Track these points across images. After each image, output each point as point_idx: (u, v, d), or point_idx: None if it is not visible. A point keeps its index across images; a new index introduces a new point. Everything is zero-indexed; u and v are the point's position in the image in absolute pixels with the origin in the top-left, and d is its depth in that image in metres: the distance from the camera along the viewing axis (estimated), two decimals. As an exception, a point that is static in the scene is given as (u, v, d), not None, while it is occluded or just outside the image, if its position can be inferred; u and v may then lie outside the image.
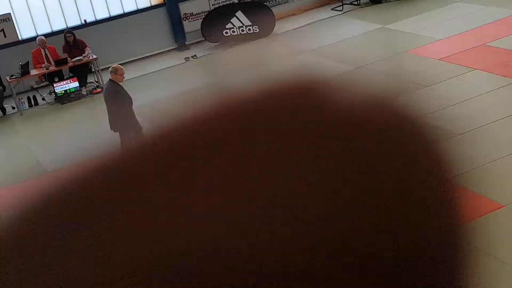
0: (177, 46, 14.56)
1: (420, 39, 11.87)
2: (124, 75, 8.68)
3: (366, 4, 14.82)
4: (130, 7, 14.21)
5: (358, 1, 14.92)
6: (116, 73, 8.53)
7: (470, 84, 9.46)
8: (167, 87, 12.45)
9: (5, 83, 12.54)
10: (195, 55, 13.88)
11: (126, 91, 8.51)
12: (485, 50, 10.65)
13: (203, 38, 14.38)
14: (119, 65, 8.70)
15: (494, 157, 7.38)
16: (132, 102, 8.55)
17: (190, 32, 14.56)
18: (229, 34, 14.21)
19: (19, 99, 12.51)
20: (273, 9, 14.58)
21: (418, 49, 11.36)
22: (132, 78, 13.26)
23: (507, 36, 10.94)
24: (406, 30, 12.53)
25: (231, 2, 14.74)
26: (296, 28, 14.29)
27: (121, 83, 8.57)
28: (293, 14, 15.32)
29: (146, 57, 14.35)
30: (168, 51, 14.49)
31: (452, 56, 10.61)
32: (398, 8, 14.10)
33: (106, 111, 8.72)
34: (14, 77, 12.42)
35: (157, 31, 14.45)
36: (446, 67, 10.28)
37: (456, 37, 11.52)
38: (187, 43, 14.56)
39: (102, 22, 13.96)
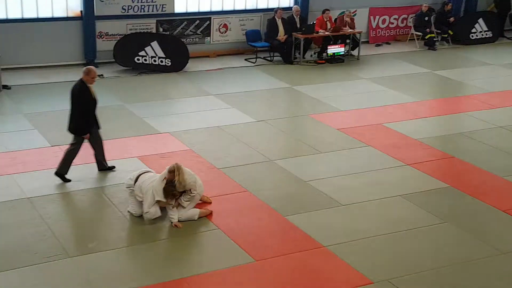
0: (85, 62, 14.27)
1: (323, 106, 12.39)
2: (96, 79, 8.71)
3: (279, 62, 15.32)
4: (45, 13, 13.81)
5: (272, 58, 15.41)
6: (88, 75, 8.52)
7: (361, 159, 9.96)
8: (67, 100, 12.16)
9: None
10: (102, 75, 13.65)
11: (92, 94, 8.60)
12: (381, 129, 11.26)
13: (114, 60, 14.21)
14: (93, 68, 8.64)
15: (372, 233, 7.77)
16: (95, 105, 8.72)
17: (101, 51, 14.34)
18: (141, 62, 14.14)
19: None
20: (189, 47, 14.72)
21: (319, 115, 11.84)
22: (32, 84, 12.85)
23: (404, 121, 11.66)
24: (311, 94, 13.03)
25: (149, 31, 14.74)
26: (208, 70, 14.47)
27: (90, 85, 8.60)
28: (207, 56, 15.54)
29: (52, 66, 13.95)
30: (76, 65, 14.15)
31: (349, 129, 11.15)
32: (307, 72, 14.69)
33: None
34: None
35: (68, 43, 14.10)
36: (342, 137, 10.77)
37: (357, 112, 12.13)
38: (96, 61, 14.31)
39: (13, 22, 13.46)
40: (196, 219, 7.84)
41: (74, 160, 8.78)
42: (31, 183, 8.55)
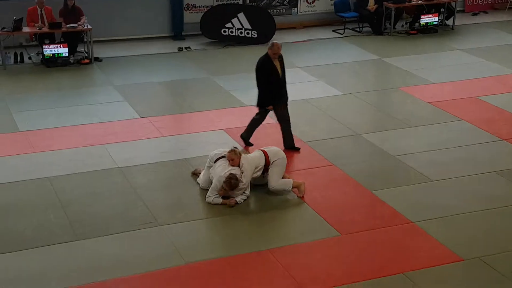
0: (173, 34, 14.49)
1: (414, 78, 12.00)
2: (277, 54, 8.61)
3: (368, 33, 14.94)
4: (134, -14, 14.12)
5: (360, 29, 15.04)
6: (270, 49, 8.56)
7: (453, 133, 9.58)
8: (156, 72, 12.43)
9: (-5, 34, 12.33)
10: (189, 47, 13.82)
11: (276, 68, 8.60)
12: (475, 102, 10.80)
13: (200, 32, 14.33)
14: (276, 43, 8.61)
15: (464, 210, 7.48)
16: (279, 79, 8.66)
17: (188, 23, 14.50)
18: (227, 34, 14.19)
19: (5, 53, 12.31)
20: (275, 18, 14.60)
21: (410, 88, 11.48)
22: (122, 56, 13.18)
23: (500, 94, 11.11)
24: (402, 66, 12.65)
25: (236, 2, 14.73)
26: (294, 42, 14.33)
27: (274, 60, 8.60)
28: (294, 27, 15.37)
29: (140, 38, 14.25)
30: (163, 37, 14.41)
31: (441, 102, 10.74)
32: (398, 44, 14.25)
33: None
34: (5, 30, 12.23)
35: (156, 16, 14.36)
36: (433, 111, 10.40)
37: (450, 84, 11.67)
38: (183, 33, 14.48)
39: (104, -5, 13.84)
40: (289, 189, 7.81)
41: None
42: (122, 153, 8.79)
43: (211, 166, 7.78)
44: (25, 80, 11.78)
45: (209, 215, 7.34)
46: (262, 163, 7.74)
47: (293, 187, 7.81)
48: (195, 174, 8.18)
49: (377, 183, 8.08)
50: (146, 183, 8.00)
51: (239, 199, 7.56)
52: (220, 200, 7.53)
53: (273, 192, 7.78)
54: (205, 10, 14.35)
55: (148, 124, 9.82)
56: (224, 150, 7.82)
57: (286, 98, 8.85)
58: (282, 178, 7.83)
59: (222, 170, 7.54)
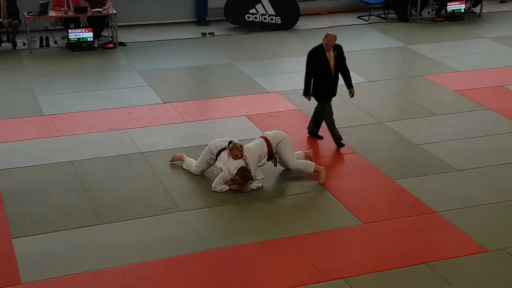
0: (196, 20, 14.45)
1: (440, 66, 11.83)
2: (330, 46, 8.26)
3: (393, 20, 14.74)
4: (159, -30, 14.09)
5: (386, 15, 14.85)
6: (323, 39, 8.29)
7: (479, 123, 9.43)
8: (179, 57, 12.42)
9: (21, 19, 12.39)
10: (213, 33, 13.78)
11: (328, 59, 8.28)
12: (502, 92, 10.60)
13: (224, 18, 14.27)
14: (330, 33, 8.30)
15: (489, 201, 7.37)
16: (327, 72, 8.31)
17: (212, 9, 14.45)
18: (251, 20, 14.11)
19: (31, 37, 12.40)
20: (300, 4, 14.47)
21: (435, 76, 11.32)
22: (145, 42, 13.19)
23: (528, 83, 10.94)
24: (427, 54, 12.47)
25: (261, -12, 14.63)
26: (318, 28, 14.20)
27: (327, 51, 8.29)
28: (318, 14, 15.23)
29: (163, 23, 14.24)
30: (187, 22, 14.39)
31: (467, 91, 10.57)
32: (423, 31, 14.05)
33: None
34: (31, 14, 12.30)
35: (180, 1, 14.32)
36: (459, 100, 10.25)
37: (476, 73, 11.48)
38: (207, 19, 14.44)
39: (129, -21, 13.84)
40: (310, 171, 7.78)
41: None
42: (144, 138, 8.81)
43: (212, 158, 7.69)
44: (50, 64, 11.86)
45: (230, 202, 7.33)
46: (265, 149, 7.64)
47: (314, 171, 7.78)
48: (176, 161, 8.10)
49: (401, 172, 8.00)
50: (168, 169, 8.01)
51: (254, 186, 7.53)
52: (227, 187, 7.48)
53: (294, 179, 7.75)
54: (229, -4, 14.29)
55: (170, 109, 9.83)
56: (224, 140, 7.71)
57: (335, 92, 8.54)
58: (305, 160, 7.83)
59: (230, 163, 7.43)
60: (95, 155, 8.30)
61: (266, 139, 7.72)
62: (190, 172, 7.88)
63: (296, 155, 7.88)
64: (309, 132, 8.92)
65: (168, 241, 6.56)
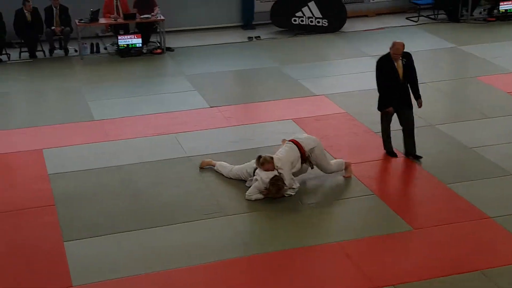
0: (242, 24, 14.49)
1: (492, 67, 11.51)
2: (398, 55, 7.86)
3: (443, 20, 14.45)
4: (205, -24, 14.20)
5: (436, 16, 14.57)
6: (391, 48, 7.95)
7: (535, 125, 9.14)
8: (225, 61, 12.47)
9: (73, 26, 12.68)
10: (259, 36, 13.79)
11: (397, 68, 7.91)
12: (558, 93, 10.26)
13: (270, 21, 14.26)
14: (397, 42, 7.92)
15: (546, 206, 7.12)
16: (398, 80, 7.93)
17: (258, 12, 14.47)
18: (297, 23, 14.05)
19: (82, 44, 12.66)
20: (347, 6, 14.34)
21: (488, 77, 11.02)
22: (193, 46, 13.30)
23: None
24: (479, 55, 12.16)
25: (307, -10, 14.57)
26: (366, 30, 14.04)
27: (395, 60, 7.92)
28: (366, 16, 15.06)
29: (211, 28, 14.33)
30: (233, 27, 14.45)
31: (522, 93, 10.27)
32: (475, 31, 13.72)
33: None
34: (82, 21, 12.57)
35: (226, 5, 14.40)
36: (512, 101, 9.96)
37: (530, 74, 11.16)
38: (253, 22, 14.47)
39: (176, -14, 13.99)
40: (343, 168, 7.74)
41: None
42: (191, 142, 8.86)
43: (249, 174, 7.63)
44: (100, 70, 12.08)
45: (275, 207, 7.28)
46: (297, 154, 7.44)
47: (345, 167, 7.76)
48: (205, 166, 8.07)
49: (452, 176, 7.80)
50: (214, 173, 8.02)
51: (287, 194, 7.40)
52: (261, 196, 7.36)
53: (340, 184, 7.66)
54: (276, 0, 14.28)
55: (217, 113, 9.86)
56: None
57: (408, 101, 8.08)
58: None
59: (263, 173, 7.33)
60: (143, 160, 8.39)
61: (297, 143, 7.51)
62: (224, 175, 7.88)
63: (338, 162, 7.76)
64: (388, 153, 8.32)
65: (213, 246, 6.56)
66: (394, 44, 7.94)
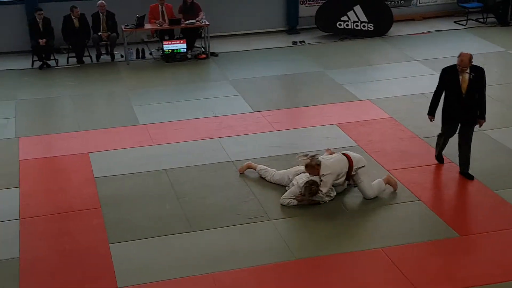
0: (287, 28, 14.49)
1: (543, 71, 11.23)
2: (463, 67, 7.34)
3: (493, 24, 14.15)
4: (250, -19, 14.27)
5: (485, 19, 14.27)
6: (458, 57, 7.48)
7: None
8: (269, 66, 12.48)
9: (119, 32, 12.90)
10: (303, 41, 13.76)
11: (460, 82, 7.43)
12: None
13: (315, 26, 14.22)
14: (463, 54, 7.40)
15: None
16: (459, 92, 7.43)
17: (303, 17, 14.45)
18: (342, 27, 13.97)
19: (128, 49, 12.87)
20: (393, 10, 14.18)
21: (538, 82, 10.75)
22: (237, 51, 13.36)
23: None
24: (529, 59, 11.90)
25: (352, -5, 14.48)
26: (412, 34, 13.86)
27: (461, 72, 7.41)
28: (413, 19, 14.87)
29: (255, 33, 14.38)
30: (277, 31, 14.46)
31: None
32: (525, 35, 13.41)
33: None
34: (128, 27, 12.77)
35: (271, 10, 14.43)
36: None
37: None
38: (298, 27, 14.45)
39: (220, -9, 14.10)
40: (385, 189, 7.51)
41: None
42: (235, 147, 8.89)
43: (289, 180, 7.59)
44: (145, 75, 12.25)
45: (319, 212, 7.23)
46: (345, 169, 7.25)
47: (385, 183, 7.53)
48: (245, 170, 8.08)
49: (501, 182, 7.61)
50: (258, 177, 8.02)
51: (323, 201, 7.31)
52: (295, 201, 7.31)
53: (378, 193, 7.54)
54: (321, 4, 14.22)
55: (261, 118, 9.87)
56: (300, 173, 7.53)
57: (469, 117, 7.57)
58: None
59: (299, 177, 7.36)
60: (188, 164, 8.46)
61: (349, 158, 7.33)
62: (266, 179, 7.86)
63: (378, 184, 7.51)
64: (436, 155, 8.12)
65: (258, 250, 6.56)
66: (460, 54, 7.43)
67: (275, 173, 7.83)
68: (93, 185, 7.96)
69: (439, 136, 8.04)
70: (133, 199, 7.65)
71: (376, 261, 6.30)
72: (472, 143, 8.08)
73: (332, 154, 7.63)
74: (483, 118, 7.64)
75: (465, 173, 7.76)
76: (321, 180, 7.17)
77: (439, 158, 8.16)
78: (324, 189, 7.19)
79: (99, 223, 7.13)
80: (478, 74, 7.45)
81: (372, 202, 7.40)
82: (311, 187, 7.17)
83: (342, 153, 7.43)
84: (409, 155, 8.41)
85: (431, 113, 7.86)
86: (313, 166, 7.18)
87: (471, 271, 6.11)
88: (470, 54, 7.40)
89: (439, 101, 7.76)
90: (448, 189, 7.56)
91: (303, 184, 7.22)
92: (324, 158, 7.35)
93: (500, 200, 7.25)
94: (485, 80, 7.49)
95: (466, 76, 7.39)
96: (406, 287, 5.89)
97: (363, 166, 7.36)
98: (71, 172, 8.37)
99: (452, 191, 7.54)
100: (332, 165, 7.21)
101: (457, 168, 7.95)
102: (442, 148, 8.09)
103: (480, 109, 7.58)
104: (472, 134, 7.67)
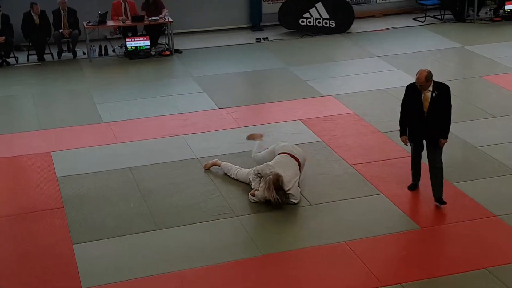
0: (251, 25, 14.56)
1: (498, 66, 11.53)
2: (420, 85, 6.93)
3: (450, 21, 14.47)
4: (213, -22, 14.28)
5: (442, 16, 14.58)
6: (416, 74, 7.03)
7: (541, 124, 9.16)
8: (234, 63, 12.54)
9: (81, 28, 12.78)
10: (267, 38, 13.85)
11: (422, 100, 6.99)
12: None
13: (278, 23, 14.33)
14: (420, 71, 6.94)
15: (552, 204, 7.14)
16: (422, 113, 7.00)
17: (266, 14, 14.54)
18: (305, 24, 14.11)
19: (91, 46, 12.77)
20: (354, 7, 14.38)
21: (494, 77, 11.05)
22: (201, 48, 13.38)
23: None
24: (485, 54, 12.20)
25: (314, -8, 14.63)
26: (373, 31, 14.08)
27: (422, 90, 6.97)
28: (373, 16, 15.10)
29: (219, 30, 14.41)
30: (241, 28, 14.52)
31: (528, 91, 10.29)
32: (481, 31, 13.73)
33: None
34: (91, 24, 12.68)
35: (234, 7, 14.48)
36: (519, 101, 9.98)
37: (537, 73, 11.17)
38: (261, 24, 14.53)
39: (183, -13, 14.08)
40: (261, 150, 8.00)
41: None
42: (200, 144, 8.93)
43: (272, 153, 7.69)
44: (109, 72, 12.18)
45: (284, 207, 7.32)
46: (297, 168, 7.48)
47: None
48: (209, 167, 8.17)
49: (459, 175, 7.84)
50: (223, 174, 8.09)
51: (291, 201, 7.36)
52: (263, 198, 7.31)
53: (347, 184, 7.71)
54: (284, 1, 14.32)
55: (225, 114, 9.93)
56: (289, 144, 7.74)
57: (433, 137, 7.07)
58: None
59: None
60: (152, 161, 8.46)
61: (298, 162, 7.53)
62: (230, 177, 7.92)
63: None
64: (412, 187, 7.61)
65: (224, 246, 6.63)
66: (418, 72, 6.98)
67: (239, 171, 7.90)
68: (56, 184, 7.90)
69: (411, 162, 7.56)
70: (97, 198, 7.62)
71: (340, 255, 6.43)
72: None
73: (265, 149, 7.88)
74: (445, 138, 7.11)
75: (437, 198, 7.25)
76: (289, 194, 7.26)
77: (412, 187, 7.59)
78: (295, 197, 7.34)
79: (62, 223, 7.08)
80: (442, 92, 6.99)
81: (334, 196, 7.52)
82: (278, 179, 7.17)
83: (287, 154, 7.52)
84: (370, 150, 8.59)
85: (403, 133, 7.34)
86: (280, 187, 7.21)
87: (432, 262, 6.29)
88: (427, 72, 6.93)
89: (406, 118, 7.25)
90: (408, 182, 7.74)
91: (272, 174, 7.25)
92: (275, 166, 7.35)
93: (458, 192, 7.47)
94: (449, 98, 7.05)
95: (428, 94, 6.95)
96: (370, 280, 6.04)
97: (305, 159, 7.72)
98: (33, 172, 8.29)
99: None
100: (291, 176, 7.30)
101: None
102: (415, 175, 7.55)
103: (443, 127, 7.09)
104: (440, 155, 7.15)
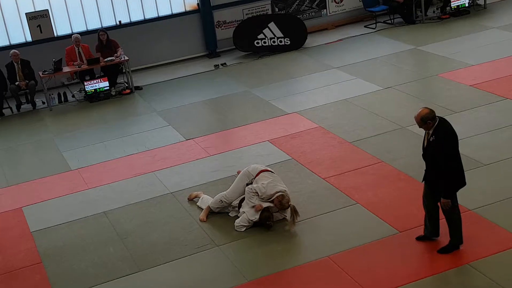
0: (207, 53, 14.65)
1: (452, 63, 11.79)
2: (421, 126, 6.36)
3: (400, 24, 14.76)
4: (164, 11, 14.32)
5: (392, 20, 14.87)
6: None
7: (500, 114, 9.36)
8: (195, 92, 12.57)
9: (37, 78, 12.70)
10: (225, 63, 13.94)
11: (425, 141, 6.43)
12: (519, 80, 10.54)
13: (234, 47, 14.44)
14: (422, 109, 6.31)
15: (522, 191, 7.30)
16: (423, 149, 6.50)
17: (221, 40, 14.64)
18: (260, 45, 14.25)
19: (49, 95, 12.67)
20: (306, 22, 14.59)
21: (449, 73, 11.29)
22: (161, 82, 13.39)
23: (543, 68, 10.83)
24: (438, 53, 12.46)
25: (265, 13, 14.78)
26: (327, 43, 14.28)
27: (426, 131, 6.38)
28: (325, 29, 15.32)
29: (176, 61, 14.45)
30: (199, 57, 14.59)
31: (484, 83, 10.52)
32: (432, 30, 14.03)
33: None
34: (46, 72, 12.59)
35: (189, 37, 14.54)
36: (476, 93, 10.19)
37: (489, 64, 11.42)
38: (217, 50, 14.63)
39: (136, 24, 14.07)
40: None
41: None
42: (172, 178, 8.91)
43: (249, 182, 7.63)
44: (71, 118, 12.07)
45: (263, 231, 7.35)
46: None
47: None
48: (193, 198, 8.20)
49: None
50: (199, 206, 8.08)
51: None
52: (249, 225, 7.39)
53: (322, 199, 7.77)
54: (236, 25, 14.46)
55: (194, 145, 9.94)
56: (261, 165, 7.80)
57: (431, 182, 6.38)
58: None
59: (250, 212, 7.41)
60: (126, 203, 8.41)
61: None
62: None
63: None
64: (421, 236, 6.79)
65: (209, 278, 6.61)
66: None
67: (210, 202, 7.84)
68: (31, 240, 7.78)
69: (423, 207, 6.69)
70: (74, 248, 7.52)
71: (325, 270, 6.46)
72: (396, 140, 8.03)
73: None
74: (444, 197, 6.21)
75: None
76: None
77: (423, 238, 6.74)
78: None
79: (42, 278, 6.97)
80: (437, 139, 6.18)
81: (311, 212, 7.56)
82: (284, 199, 7.26)
83: (265, 171, 7.58)
84: (341, 161, 8.68)
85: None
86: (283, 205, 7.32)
87: (415, 264, 6.37)
88: (426, 111, 6.18)
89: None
90: (382, 188, 7.84)
91: (258, 216, 7.32)
92: (277, 184, 7.44)
93: (431, 191, 7.58)
94: (444, 147, 6.11)
95: (428, 136, 6.30)
96: (356, 290, 6.09)
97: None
98: (5, 230, 8.14)
99: (386, 189, 7.82)
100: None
101: (388, 166, 8.26)
102: (428, 224, 6.66)
103: (443, 182, 6.18)
104: (438, 201, 6.37)
